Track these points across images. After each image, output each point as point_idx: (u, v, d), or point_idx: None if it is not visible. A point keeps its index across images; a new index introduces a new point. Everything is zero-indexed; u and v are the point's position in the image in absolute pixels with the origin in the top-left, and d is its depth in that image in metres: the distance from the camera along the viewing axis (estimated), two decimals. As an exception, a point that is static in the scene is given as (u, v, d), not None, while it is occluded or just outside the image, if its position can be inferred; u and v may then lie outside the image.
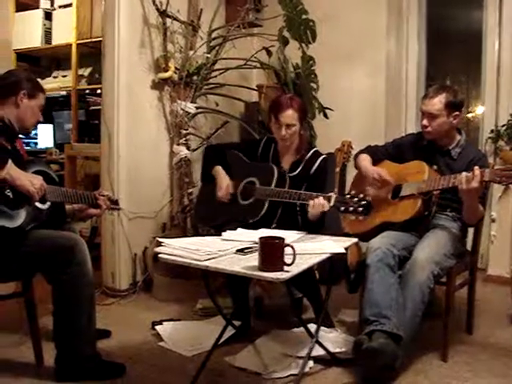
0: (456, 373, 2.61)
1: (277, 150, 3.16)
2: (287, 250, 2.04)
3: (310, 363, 2.65)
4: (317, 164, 3.04)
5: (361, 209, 2.50)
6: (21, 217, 2.39)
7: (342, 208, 2.56)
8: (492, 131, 4.35)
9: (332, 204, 2.62)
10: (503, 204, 4.17)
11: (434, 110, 2.87)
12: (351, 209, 2.52)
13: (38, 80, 2.85)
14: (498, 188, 4.03)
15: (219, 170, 3.16)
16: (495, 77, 4.40)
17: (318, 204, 2.64)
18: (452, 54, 4.93)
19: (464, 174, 2.58)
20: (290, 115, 2.98)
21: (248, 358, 2.75)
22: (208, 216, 3.23)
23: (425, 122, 2.93)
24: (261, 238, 2.07)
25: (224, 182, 3.11)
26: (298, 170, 3.07)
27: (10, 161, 2.33)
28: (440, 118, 2.87)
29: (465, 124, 4.79)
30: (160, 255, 2.28)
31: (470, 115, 4.83)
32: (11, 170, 2.32)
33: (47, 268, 2.48)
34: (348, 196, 2.57)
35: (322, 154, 3.11)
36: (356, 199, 2.52)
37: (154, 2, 3.85)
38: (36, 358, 2.65)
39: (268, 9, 4.60)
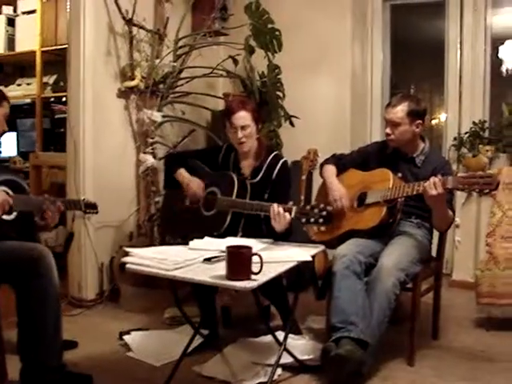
0: (423, 377, 2.66)
1: (237, 157, 3.16)
2: (254, 258, 2.05)
3: (279, 371, 2.65)
4: (278, 168, 3.04)
5: (321, 220, 2.51)
6: None
7: (304, 219, 2.56)
8: (455, 139, 4.43)
9: (293, 216, 2.61)
10: (466, 210, 4.24)
11: (397, 118, 2.92)
12: (312, 220, 2.52)
13: (1, 88, 2.79)
14: (462, 194, 4.10)
15: (183, 173, 3.12)
16: (457, 85, 4.50)
17: (280, 216, 2.64)
18: (416, 62, 5.03)
19: (428, 181, 2.63)
20: (242, 116, 2.98)
21: (216, 367, 2.75)
22: (173, 226, 3.22)
23: (388, 130, 2.98)
24: (228, 247, 2.08)
25: (194, 181, 3.08)
26: (260, 175, 3.06)
27: None
28: (402, 126, 2.92)
29: (429, 131, 4.88)
30: (127, 265, 2.27)
31: (433, 122, 4.92)
32: None
33: (12, 279, 2.43)
34: (308, 207, 2.56)
35: (282, 158, 3.12)
36: (317, 210, 2.52)
37: (120, 11, 3.85)
38: (0, 371, 2.60)
39: (234, 18, 4.61)
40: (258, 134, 3.09)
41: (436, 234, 3.10)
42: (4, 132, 2.71)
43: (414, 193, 2.73)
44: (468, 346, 3.07)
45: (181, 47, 4.25)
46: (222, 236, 2.80)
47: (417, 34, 4.98)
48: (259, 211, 2.78)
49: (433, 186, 2.58)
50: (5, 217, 2.46)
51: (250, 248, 2.10)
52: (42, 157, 4.54)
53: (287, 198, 2.91)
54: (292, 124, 4.32)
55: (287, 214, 2.62)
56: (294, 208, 2.62)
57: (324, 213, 2.51)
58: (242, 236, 2.92)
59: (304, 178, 4.13)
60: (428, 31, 4.95)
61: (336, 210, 2.91)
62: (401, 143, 2.99)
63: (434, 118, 4.93)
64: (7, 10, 5.10)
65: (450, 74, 4.59)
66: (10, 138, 5.23)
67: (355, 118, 4.75)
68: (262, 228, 2.93)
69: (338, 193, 3.00)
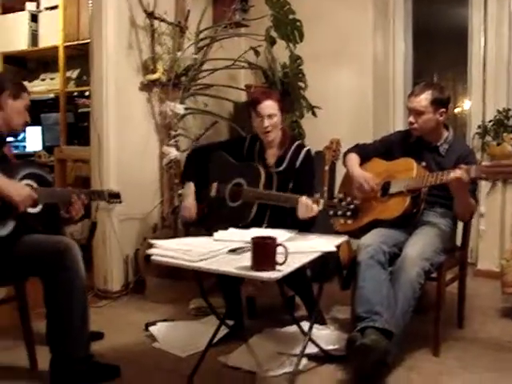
0: (448, 368, 2.65)
1: (262, 147, 3.17)
2: (279, 249, 2.06)
3: (304, 361, 2.66)
4: (301, 157, 3.06)
5: (349, 213, 2.51)
6: (9, 225, 2.38)
7: (331, 212, 2.57)
8: (479, 127, 4.39)
9: (321, 208, 2.63)
10: (491, 199, 4.20)
11: (420, 107, 2.90)
12: (340, 213, 2.53)
13: (25, 82, 2.82)
14: (486, 183, 4.07)
15: (189, 189, 3.15)
16: (481, 73, 4.45)
17: (307, 208, 2.64)
18: (439, 51, 4.97)
19: (451, 170, 2.61)
20: (269, 105, 3.00)
21: (242, 357, 2.77)
22: (197, 218, 3.25)
23: (411, 119, 2.96)
24: (253, 238, 2.08)
25: (191, 203, 3.12)
26: (284, 165, 3.08)
27: None
28: (426, 115, 2.90)
29: (453, 120, 4.83)
30: (152, 257, 2.29)
31: (457, 110, 4.87)
32: None
33: (39, 272, 2.47)
34: (336, 200, 2.57)
35: (305, 146, 3.13)
36: (344, 203, 2.52)
37: (141, 4, 3.87)
38: (30, 361, 2.66)
39: (255, 9, 4.61)
40: (282, 124, 3.10)
41: (460, 223, 3.08)
42: (27, 123, 2.75)
43: (438, 182, 2.71)
44: (494, 336, 3.05)
45: (202, 39, 4.26)
46: (248, 227, 2.82)
47: (439, 22, 4.92)
48: (286, 203, 2.79)
49: (457, 176, 2.56)
50: (30, 210, 2.49)
51: (274, 239, 2.10)
52: (66, 151, 4.60)
53: (312, 187, 2.94)
54: (314, 114, 4.31)
55: (315, 206, 2.63)
56: (322, 200, 2.64)
57: (352, 206, 2.51)
58: (266, 227, 2.93)
59: (327, 168, 4.11)
60: (451, 19, 4.89)
61: (364, 192, 2.93)
62: (424, 132, 2.97)
63: (458, 107, 4.88)
64: (30, 6, 5.17)
65: (473, 61, 4.54)
66: (35, 133, 5.30)
67: (378, 108, 4.73)
68: (286, 219, 2.95)
69: (361, 176, 3.00)
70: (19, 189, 2.40)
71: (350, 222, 2.62)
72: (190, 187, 3.16)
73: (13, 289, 2.69)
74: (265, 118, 3.00)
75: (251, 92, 3.77)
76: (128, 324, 3.33)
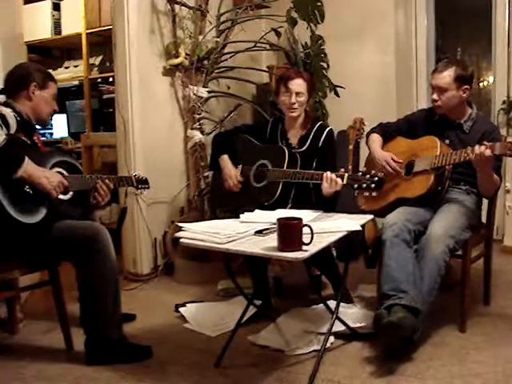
0: (474, 343, 2.66)
1: (284, 128, 3.24)
2: (305, 229, 2.09)
3: (332, 339, 2.70)
4: (323, 136, 3.13)
5: (373, 185, 2.56)
6: (41, 212, 2.45)
7: (356, 185, 2.62)
8: (504, 102, 4.35)
9: (345, 182, 2.68)
10: (517, 175, 4.18)
11: (443, 84, 2.89)
12: (364, 185, 2.59)
13: (49, 71, 2.87)
14: (512, 159, 4.04)
15: (225, 160, 3.23)
16: (505, 48, 4.39)
17: (331, 182, 2.71)
18: (462, 25, 4.91)
19: (475, 147, 2.61)
20: (299, 83, 3.08)
21: (270, 336, 2.82)
22: (224, 200, 3.30)
23: (434, 96, 2.95)
24: (279, 219, 2.12)
25: (231, 171, 3.19)
26: (307, 144, 3.15)
27: (26, 159, 2.37)
28: (449, 92, 2.89)
29: (477, 96, 4.80)
30: (181, 240, 2.34)
31: (481, 85, 4.82)
32: (28, 167, 2.37)
33: (71, 257, 2.56)
34: (360, 173, 2.63)
35: (327, 126, 3.19)
36: (368, 176, 2.58)
37: (161, -11, 3.89)
38: (66, 343, 2.74)
39: (275, -11, 4.61)
40: (307, 105, 3.14)
41: (486, 200, 3.08)
42: (55, 111, 2.80)
43: (461, 160, 2.72)
44: (520, 311, 3.05)
45: (223, 22, 4.28)
46: (273, 206, 2.88)
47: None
48: (310, 180, 2.84)
49: (481, 153, 2.56)
50: (61, 196, 2.56)
51: (300, 219, 2.13)
52: (92, 137, 4.65)
53: (334, 166, 3.00)
54: (337, 94, 4.32)
55: (339, 180, 2.69)
56: (346, 174, 2.69)
57: (375, 178, 2.56)
58: (291, 206, 2.99)
59: (351, 147, 4.12)
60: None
61: (387, 174, 2.93)
62: (448, 109, 2.97)
63: (482, 81, 4.83)
64: (52, -5, 5.20)
65: (497, 35, 4.47)
66: (61, 120, 5.37)
67: (401, 85, 4.72)
68: (311, 198, 3.00)
69: (382, 158, 3.02)
70: (50, 176, 2.47)
71: (374, 194, 2.64)
72: (225, 159, 3.24)
73: (46, 273, 2.77)
74: (293, 94, 3.06)
75: (283, 69, 3.80)
76: (158, 306, 3.40)
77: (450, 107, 2.95)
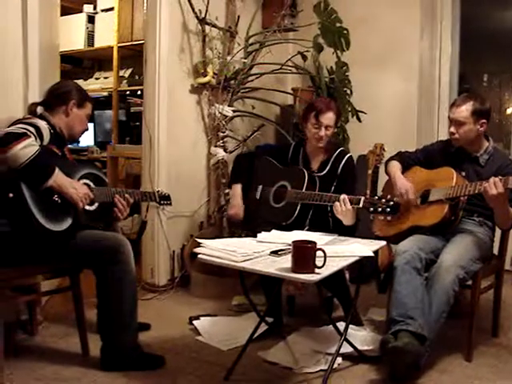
0: (479, 373, 2.70)
1: (306, 153, 3.31)
2: (318, 253, 2.17)
3: (339, 360, 2.77)
4: (343, 162, 3.20)
5: (388, 209, 2.65)
6: (67, 221, 2.56)
7: (371, 209, 2.70)
8: (524, 135, 4.40)
9: (361, 205, 2.76)
10: (533, 207, 4.19)
11: (461, 118, 2.95)
12: (380, 209, 2.67)
13: (80, 81, 3.00)
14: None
15: (236, 190, 3.33)
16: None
17: (343, 203, 2.80)
18: (486, 56, 4.96)
19: (490, 180, 2.67)
20: (330, 117, 3.14)
21: (280, 353, 2.89)
22: (243, 219, 3.39)
23: (452, 129, 3.01)
24: (294, 242, 2.21)
25: (238, 202, 3.30)
26: (327, 169, 3.22)
27: (57, 169, 2.50)
28: (467, 126, 2.96)
29: (497, 128, 4.84)
30: (199, 256, 2.43)
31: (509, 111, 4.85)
32: (58, 178, 2.50)
33: (93, 265, 2.66)
34: (376, 197, 2.72)
35: (347, 153, 3.27)
36: (384, 200, 2.67)
37: (193, 11, 4.00)
38: (82, 348, 2.83)
39: (303, 13, 4.73)
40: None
41: (498, 231, 3.12)
42: (86, 130, 2.94)
43: (476, 192, 2.77)
44: (528, 345, 3.08)
45: (251, 44, 4.39)
46: (290, 227, 2.96)
47: (488, 26, 4.92)
48: (328, 202, 2.92)
49: (493, 186, 2.62)
50: (87, 207, 2.67)
51: (314, 243, 2.22)
52: (118, 148, 4.78)
53: (353, 190, 3.06)
54: (359, 119, 4.40)
55: (349, 204, 2.78)
56: (363, 198, 2.77)
57: (391, 203, 2.65)
58: (308, 229, 3.06)
59: (370, 172, 4.18)
60: (499, 22, 4.88)
61: (402, 202, 2.99)
62: (465, 142, 3.03)
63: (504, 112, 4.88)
64: (88, 8, 5.37)
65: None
66: (89, 129, 5.51)
67: (422, 113, 4.75)
68: (328, 221, 3.07)
69: (403, 186, 3.07)
70: (78, 188, 2.58)
71: (389, 218, 2.72)
72: (238, 188, 3.33)
73: (65, 279, 2.88)
74: (322, 128, 3.13)
75: (308, 92, 3.90)
76: (173, 317, 3.48)
77: (468, 140, 3.02)
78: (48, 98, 2.82)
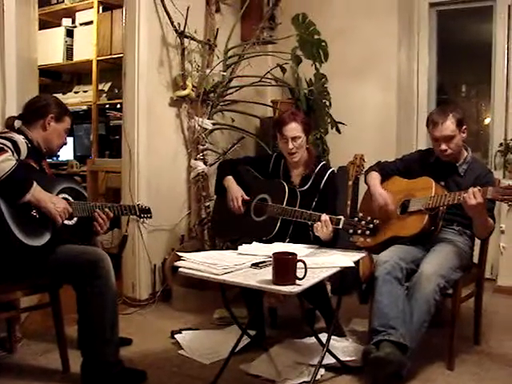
0: (462, 382, 2.71)
1: (286, 166, 3.30)
2: (299, 264, 2.18)
3: (322, 371, 2.76)
4: (326, 177, 3.18)
5: (368, 232, 2.65)
6: (46, 236, 2.53)
7: (351, 230, 2.71)
8: (501, 144, 4.45)
9: (341, 226, 2.76)
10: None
11: (450, 132, 2.97)
12: (359, 231, 2.67)
13: (59, 94, 2.98)
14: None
15: (230, 181, 3.29)
16: (504, 92, 4.51)
17: (324, 224, 2.78)
18: (463, 67, 5.03)
19: (469, 190, 2.69)
20: (293, 127, 3.11)
21: (263, 366, 2.88)
22: (224, 230, 3.38)
23: (443, 146, 3.00)
24: (274, 254, 2.20)
25: (237, 192, 3.25)
26: (308, 184, 3.21)
27: (35, 184, 2.47)
28: (456, 138, 2.99)
29: (475, 137, 4.89)
30: (180, 269, 2.42)
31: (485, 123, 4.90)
32: (36, 192, 2.47)
33: (73, 280, 2.63)
34: (356, 219, 2.71)
35: (329, 168, 3.25)
36: (364, 222, 2.67)
37: (172, 24, 4.01)
38: (63, 364, 2.80)
39: (282, 26, 4.76)
40: (307, 144, 3.21)
41: (478, 240, 3.14)
42: (64, 144, 2.93)
43: (455, 202, 2.79)
44: (510, 352, 3.09)
45: (230, 57, 4.41)
46: (271, 241, 2.95)
47: (464, 38, 4.99)
48: (308, 220, 2.91)
49: (472, 196, 2.65)
50: (66, 222, 2.65)
51: (295, 254, 2.22)
52: (98, 162, 4.75)
53: (334, 207, 3.06)
54: (339, 131, 4.42)
55: (330, 226, 2.77)
56: (343, 219, 2.76)
57: (371, 225, 2.65)
58: (289, 241, 3.05)
59: (350, 183, 4.20)
60: (476, 35, 4.95)
61: (380, 214, 3.00)
62: (456, 153, 3.06)
63: (482, 122, 4.93)
64: (66, 22, 5.35)
65: (496, 78, 4.58)
66: (68, 143, 5.47)
67: (401, 124, 4.80)
68: (309, 235, 3.07)
69: (381, 198, 3.08)
70: (57, 202, 2.56)
71: (369, 240, 2.73)
72: (230, 179, 3.30)
73: (45, 295, 2.85)
74: (289, 140, 3.11)
75: (279, 113, 3.90)
76: (155, 331, 3.46)
77: (458, 150, 3.05)
78: (26, 112, 2.81)
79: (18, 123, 2.78)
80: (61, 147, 2.92)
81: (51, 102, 2.82)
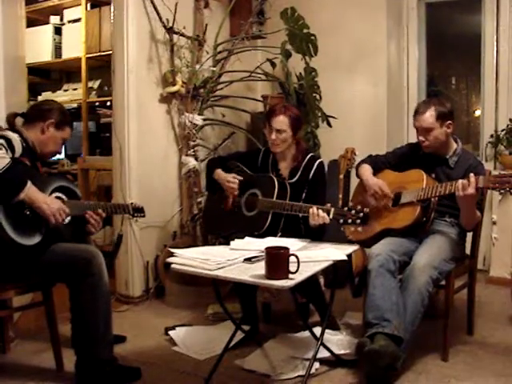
0: (456, 372, 2.72)
1: (275, 159, 3.29)
2: (292, 258, 2.17)
3: (316, 365, 2.77)
4: (314, 168, 3.17)
5: (358, 221, 2.63)
6: (38, 235, 2.53)
7: (341, 220, 2.69)
8: (492, 136, 4.47)
9: (331, 217, 2.74)
10: (503, 207, 4.25)
11: (428, 125, 2.99)
12: (350, 221, 2.65)
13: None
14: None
15: (220, 172, 3.27)
16: (494, 83, 4.53)
17: (319, 217, 2.76)
18: (453, 59, 5.04)
19: (460, 181, 2.70)
20: (281, 120, 3.11)
21: (257, 361, 2.88)
22: (215, 227, 3.37)
23: (421, 137, 3.04)
24: (266, 248, 2.20)
25: (228, 176, 3.22)
26: (297, 176, 3.20)
27: (29, 183, 2.46)
28: (435, 131, 3.00)
29: (465, 129, 4.91)
30: (172, 265, 2.41)
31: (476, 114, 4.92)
32: (30, 191, 2.46)
33: (66, 278, 2.61)
34: (346, 208, 2.69)
35: (318, 158, 3.25)
36: (354, 211, 2.65)
37: (160, 20, 4.00)
38: (56, 363, 2.80)
39: (271, 21, 4.73)
40: (294, 139, 3.19)
41: (470, 232, 3.15)
42: (57, 153, 2.92)
43: (447, 192, 2.79)
44: (503, 342, 3.11)
45: (220, 52, 4.40)
46: (262, 235, 2.94)
47: (453, 31, 5.00)
48: (298, 212, 2.90)
49: (466, 186, 2.65)
50: (59, 220, 2.64)
51: (287, 249, 2.22)
52: (89, 160, 4.74)
53: (323, 198, 3.05)
54: (329, 124, 4.41)
55: (325, 215, 2.74)
56: (332, 209, 2.74)
57: (361, 214, 2.63)
58: (281, 236, 3.04)
59: (342, 176, 4.20)
60: (465, 27, 4.96)
61: (379, 199, 3.04)
62: (436, 147, 3.06)
63: (472, 114, 4.94)
64: (54, 19, 5.32)
65: (486, 70, 4.61)
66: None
67: (392, 116, 4.81)
68: (300, 228, 3.06)
69: (376, 185, 3.09)
70: (51, 203, 2.54)
71: (360, 229, 2.73)
72: (219, 171, 3.27)
73: (38, 294, 2.84)
74: (273, 131, 3.11)
75: (272, 104, 3.90)
76: (149, 328, 3.45)
77: (438, 144, 3.05)
78: (29, 112, 2.83)
79: (19, 120, 2.79)
80: (53, 155, 2.93)
81: (56, 108, 2.83)
